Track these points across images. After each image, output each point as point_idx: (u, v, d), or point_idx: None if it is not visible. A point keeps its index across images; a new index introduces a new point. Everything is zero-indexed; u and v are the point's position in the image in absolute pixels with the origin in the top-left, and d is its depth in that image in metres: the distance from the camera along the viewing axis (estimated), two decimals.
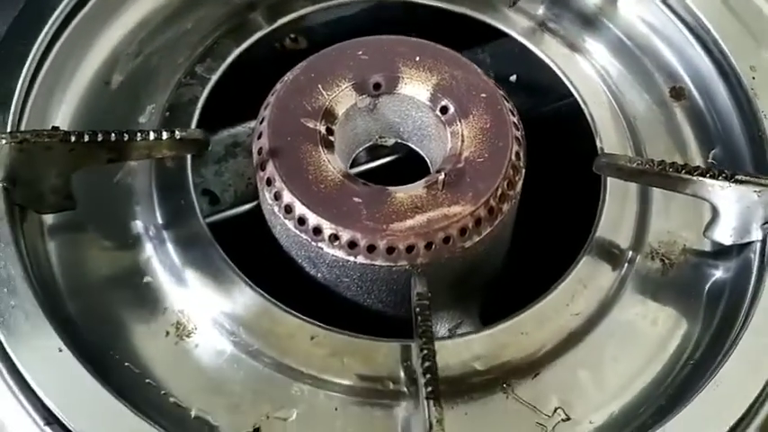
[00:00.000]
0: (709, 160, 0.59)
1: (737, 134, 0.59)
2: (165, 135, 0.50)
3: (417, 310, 0.48)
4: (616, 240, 0.56)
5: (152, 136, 0.50)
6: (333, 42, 0.59)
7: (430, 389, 0.42)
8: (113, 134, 0.49)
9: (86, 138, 0.49)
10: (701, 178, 0.50)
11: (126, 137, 0.50)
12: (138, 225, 0.55)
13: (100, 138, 0.49)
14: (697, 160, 0.59)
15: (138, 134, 0.50)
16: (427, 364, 0.43)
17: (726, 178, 0.50)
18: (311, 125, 0.55)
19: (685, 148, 0.60)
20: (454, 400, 0.49)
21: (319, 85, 0.56)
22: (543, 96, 0.66)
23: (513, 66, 0.68)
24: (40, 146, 0.48)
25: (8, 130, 0.52)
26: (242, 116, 0.64)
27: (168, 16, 0.64)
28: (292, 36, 0.74)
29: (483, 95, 0.56)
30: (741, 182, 0.50)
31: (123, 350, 0.50)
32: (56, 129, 0.49)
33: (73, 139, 0.48)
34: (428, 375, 0.43)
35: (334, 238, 0.51)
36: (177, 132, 0.50)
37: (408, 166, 0.60)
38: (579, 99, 0.61)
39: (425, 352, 0.44)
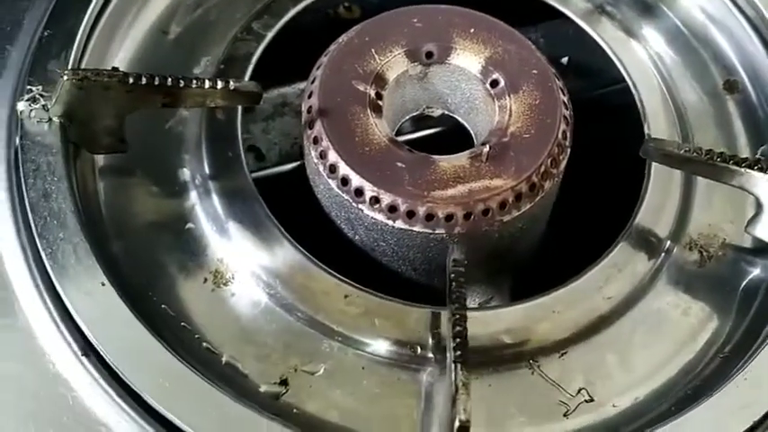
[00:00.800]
0: (758, 156, 0.59)
1: None
2: (219, 84, 0.51)
3: (452, 275, 0.48)
4: (655, 228, 0.56)
5: (207, 84, 0.51)
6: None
7: (458, 353, 0.43)
8: (170, 79, 0.50)
9: (144, 80, 0.50)
10: (748, 170, 0.50)
11: (182, 83, 0.51)
12: (186, 173, 0.56)
13: (157, 81, 0.50)
14: (745, 154, 0.59)
15: (194, 81, 0.51)
16: (458, 328, 0.44)
17: None
18: (361, 88, 0.55)
19: (734, 142, 0.60)
20: (479, 371, 0.50)
21: (372, 50, 0.57)
22: (595, 79, 0.66)
23: (566, 47, 0.68)
24: (99, 85, 0.49)
25: (70, 67, 0.53)
26: (292, 76, 0.65)
27: None
28: (346, 5, 0.74)
29: (534, 72, 0.56)
30: None
31: (162, 292, 0.52)
32: (115, 69, 0.50)
33: (131, 80, 0.50)
34: (458, 340, 0.43)
35: (375, 200, 0.52)
36: (232, 83, 0.51)
37: (452, 139, 0.61)
38: (631, 84, 0.61)
39: (457, 317, 0.45)
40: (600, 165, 0.63)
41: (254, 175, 0.60)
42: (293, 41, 0.65)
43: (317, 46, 0.59)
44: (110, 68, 0.50)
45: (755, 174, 0.50)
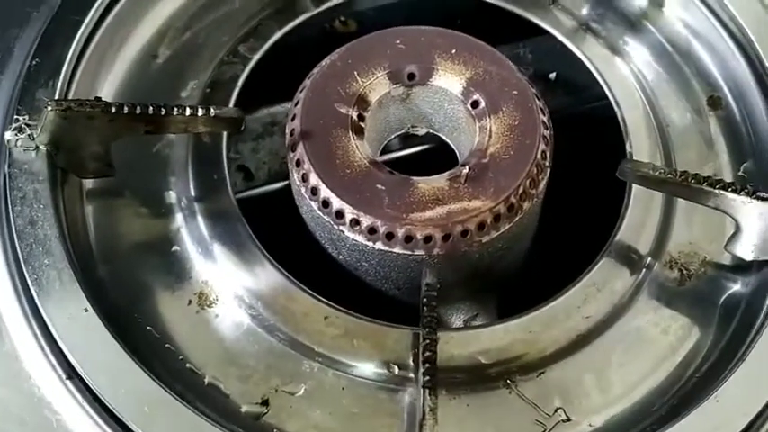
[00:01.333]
0: (740, 173, 0.59)
1: None
2: (200, 111, 0.52)
3: (425, 300, 0.49)
4: (635, 247, 0.56)
5: (188, 111, 0.52)
6: (382, 27, 0.60)
7: (427, 378, 0.43)
8: (151, 107, 0.51)
9: (126, 110, 0.51)
10: (723, 192, 0.50)
11: (163, 111, 0.52)
12: (172, 195, 0.57)
13: (138, 111, 0.51)
14: (727, 172, 0.59)
15: (175, 109, 0.52)
16: (428, 353, 0.45)
17: (748, 194, 0.50)
18: (343, 111, 0.56)
19: (717, 159, 0.60)
20: (456, 391, 0.50)
21: (355, 72, 0.57)
22: (578, 96, 0.66)
23: (553, 63, 0.68)
24: (82, 114, 0.51)
25: (56, 97, 0.54)
26: (283, 95, 0.66)
27: None
28: (342, 18, 0.75)
29: (515, 93, 0.57)
30: (763, 199, 0.50)
31: (147, 314, 0.53)
32: (98, 99, 0.52)
33: (113, 110, 0.51)
34: (427, 365, 0.44)
35: (355, 222, 0.53)
36: (212, 110, 0.52)
37: (440, 155, 0.61)
38: (613, 102, 0.61)
39: (427, 342, 0.45)
40: (582, 181, 0.64)
41: (243, 195, 0.62)
42: (284, 59, 0.66)
43: (313, 61, 0.60)
44: (93, 98, 0.51)
45: (730, 195, 0.50)
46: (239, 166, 0.64)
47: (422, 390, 0.43)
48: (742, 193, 0.50)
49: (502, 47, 0.67)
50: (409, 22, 0.62)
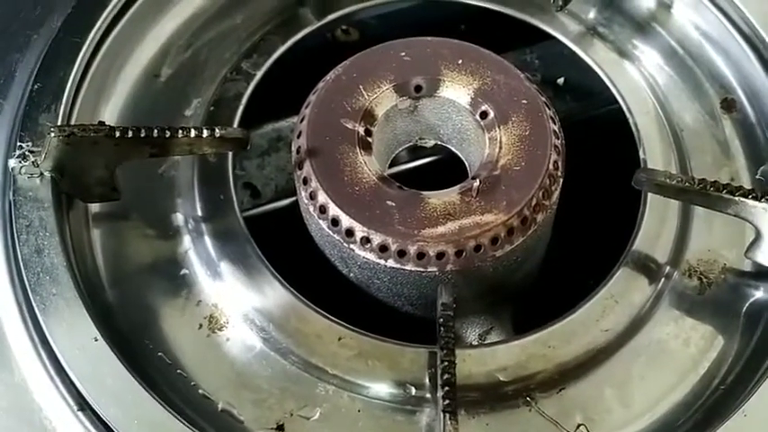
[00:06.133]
0: (758, 176, 0.58)
1: None
2: (205, 133, 0.51)
3: (441, 320, 0.48)
4: (653, 256, 0.55)
5: (193, 133, 0.51)
6: (385, 35, 0.59)
7: (447, 402, 0.42)
8: (156, 130, 0.51)
9: (130, 134, 0.50)
10: (742, 199, 0.49)
11: (168, 133, 0.51)
12: (179, 217, 0.57)
13: (143, 134, 0.50)
14: (744, 176, 0.58)
15: (180, 131, 0.51)
16: (446, 376, 0.44)
17: None
18: (350, 126, 0.55)
19: (733, 163, 0.59)
20: (476, 410, 0.49)
21: (360, 86, 0.56)
22: (589, 102, 0.65)
23: (561, 68, 0.67)
24: (86, 140, 0.50)
25: (59, 121, 0.54)
26: (288, 110, 0.65)
27: (220, 8, 0.65)
28: (344, 28, 0.74)
29: (524, 102, 0.56)
30: None
31: (157, 340, 0.52)
32: (102, 124, 0.51)
33: (117, 134, 0.50)
34: (446, 388, 0.43)
35: (366, 240, 0.52)
36: (217, 130, 0.51)
37: (450, 166, 0.60)
38: (625, 107, 0.60)
39: (445, 364, 0.44)
40: (596, 189, 0.62)
41: (250, 213, 0.61)
42: (289, 72, 0.65)
43: (317, 73, 0.59)
44: (97, 123, 0.50)
45: (750, 202, 0.49)
46: (246, 184, 0.64)
47: (441, 414, 0.42)
48: (763, 200, 0.48)
49: (508, 53, 0.67)
50: (412, 30, 0.62)
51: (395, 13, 0.71)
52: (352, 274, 0.55)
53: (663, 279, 0.54)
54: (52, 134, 0.49)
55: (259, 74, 0.61)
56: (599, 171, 0.62)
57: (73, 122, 0.55)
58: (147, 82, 0.61)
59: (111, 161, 0.52)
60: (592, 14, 0.65)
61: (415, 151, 0.64)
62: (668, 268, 0.55)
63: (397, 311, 0.57)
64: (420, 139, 0.60)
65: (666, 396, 0.51)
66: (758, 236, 0.52)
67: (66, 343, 0.47)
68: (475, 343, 0.57)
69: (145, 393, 0.46)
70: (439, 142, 0.60)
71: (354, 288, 0.56)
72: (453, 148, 0.60)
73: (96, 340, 0.47)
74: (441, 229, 0.51)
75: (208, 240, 0.55)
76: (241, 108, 0.60)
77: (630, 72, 0.63)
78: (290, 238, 0.58)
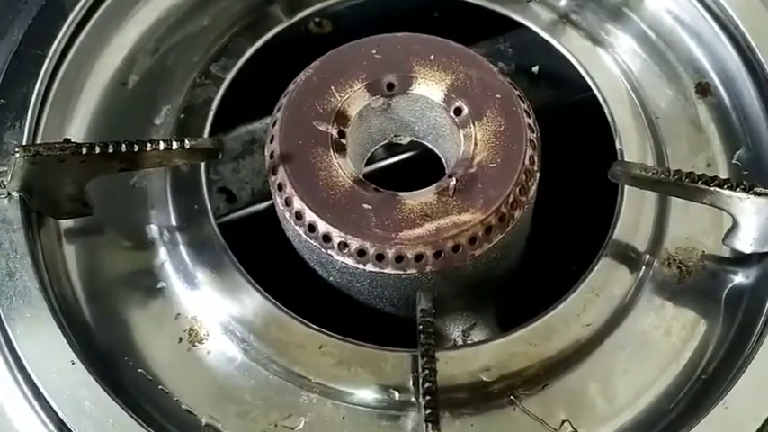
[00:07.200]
0: (734, 161, 0.57)
1: (764, 134, 0.57)
2: (175, 145, 0.50)
3: (421, 327, 0.47)
4: (632, 245, 0.55)
5: (162, 146, 0.50)
6: (359, 26, 0.58)
7: (429, 411, 0.42)
8: (124, 145, 0.50)
9: (98, 149, 0.49)
10: (718, 189, 0.49)
11: (136, 147, 0.50)
12: (154, 229, 0.56)
13: (111, 149, 0.49)
14: (720, 160, 0.58)
15: (149, 144, 0.50)
16: (427, 385, 0.43)
17: (744, 190, 0.48)
18: (323, 128, 0.54)
19: (709, 148, 0.58)
20: (461, 412, 0.49)
21: (332, 87, 0.56)
22: (564, 90, 0.65)
23: (536, 57, 0.66)
24: (52, 158, 0.49)
25: (24, 139, 0.53)
26: (262, 111, 0.64)
27: (186, 11, 0.64)
28: (317, 20, 0.73)
29: (498, 96, 0.55)
30: (760, 194, 0.48)
31: (137, 356, 0.52)
32: (68, 141, 0.50)
33: (84, 151, 0.49)
34: (428, 397, 0.43)
35: (344, 245, 0.51)
36: (187, 142, 0.51)
37: (427, 162, 0.60)
38: (599, 96, 0.60)
39: (426, 372, 0.44)
40: (573, 181, 0.62)
41: (226, 218, 0.60)
42: (260, 72, 0.64)
43: (290, 69, 0.58)
44: (62, 140, 0.49)
45: (726, 192, 0.49)
46: (221, 189, 0.63)
47: (424, 424, 0.42)
48: (738, 189, 0.48)
49: (482, 42, 0.66)
50: (385, 20, 0.61)
51: (368, 2, 0.70)
52: (331, 278, 0.55)
53: (642, 269, 0.54)
54: (17, 154, 0.48)
55: (229, 77, 0.60)
56: (576, 161, 0.62)
57: (39, 138, 0.54)
58: (115, 91, 0.60)
59: (79, 178, 0.51)
60: (563, 2, 0.64)
61: (391, 148, 0.63)
62: (647, 257, 0.55)
63: (380, 312, 0.56)
64: (395, 136, 0.59)
65: (649, 388, 0.51)
66: (735, 224, 0.52)
67: (43, 367, 0.47)
68: (458, 340, 0.57)
69: (126, 416, 0.45)
70: (414, 139, 0.59)
71: (335, 291, 0.56)
72: (429, 145, 0.59)
73: (73, 363, 0.47)
74: (418, 231, 0.51)
75: (183, 251, 0.55)
76: (212, 114, 0.59)
77: (604, 59, 0.62)
78: (269, 242, 0.57)
